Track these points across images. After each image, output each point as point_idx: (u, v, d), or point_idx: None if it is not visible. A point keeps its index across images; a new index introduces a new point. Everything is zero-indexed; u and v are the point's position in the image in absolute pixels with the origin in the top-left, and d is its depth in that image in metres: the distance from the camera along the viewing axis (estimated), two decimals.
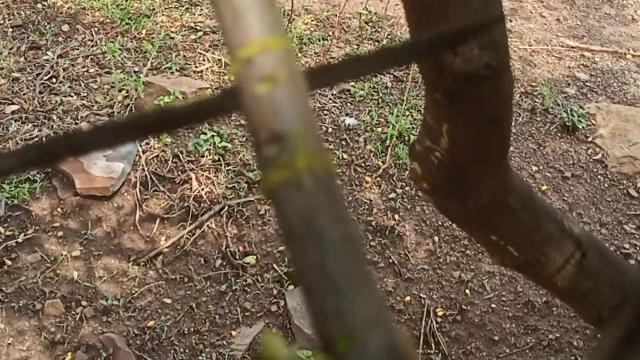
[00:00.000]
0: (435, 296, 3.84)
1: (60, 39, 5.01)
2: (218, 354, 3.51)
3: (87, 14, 5.27)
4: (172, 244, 3.84)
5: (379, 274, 3.86)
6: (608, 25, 6.11)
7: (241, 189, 4.08)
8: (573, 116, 4.86)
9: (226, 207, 4.00)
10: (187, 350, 3.51)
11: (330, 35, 5.36)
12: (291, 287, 3.73)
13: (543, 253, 1.81)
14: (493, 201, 1.75)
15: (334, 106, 4.71)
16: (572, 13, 6.21)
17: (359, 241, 0.43)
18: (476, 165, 1.68)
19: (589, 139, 4.82)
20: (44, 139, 4.14)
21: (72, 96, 4.50)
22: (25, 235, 3.75)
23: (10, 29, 5.05)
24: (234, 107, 0.52)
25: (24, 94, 4.47)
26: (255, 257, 3.84)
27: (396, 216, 4.12)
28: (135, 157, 4.11)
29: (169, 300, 3.66)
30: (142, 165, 4.08)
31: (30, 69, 4.69)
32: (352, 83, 4.92)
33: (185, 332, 3.56)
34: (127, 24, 5.18)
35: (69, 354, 3.39)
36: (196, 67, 4.86)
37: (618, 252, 4.02)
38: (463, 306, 3.81)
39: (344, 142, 4.47)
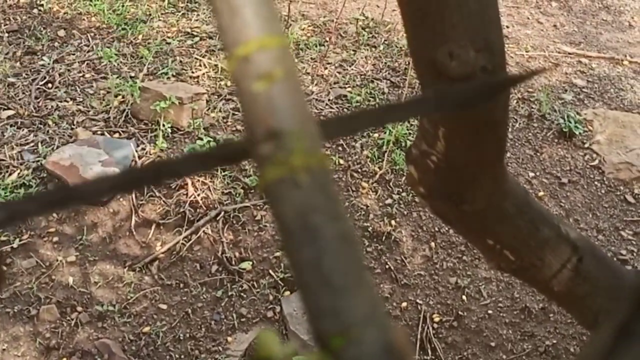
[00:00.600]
0: (431, 302, 3.84)
1: (56, 44, 5.01)
2: (214, 359, 3.50)
3: (83, 19, 5.27)
4: (168, 249, 3.84)
5: (375, 279, 3.85)
6: (605, 31, 6.12)
7: (237, 195, 4.08)
8: (570, 122, 4.86)
9: (222, 213, 3.99)
10: (182, 356, 3.50)
11: (327, 41, 5.37)
12: (287, 293, 3.72)
13: (539, 257, 1.81)
14: (489, 205, 1.75)
15: (331, 112, 4.71)
16: (569, 19, 6.22)
17: (355, 239, 0.43)
18: (472, 169, 1.68)
19: (586, 145, 4.82)
20: (39, 144, 4.14)
21: (68, 101, 4.50)
22: (20, 240, 3.74)
23: (6, 34, 5.05)
24: (237, 158, 0.52)
25: (19, 99, 4.47)
26: (251, 262, 3.84)
27: (393, 222, 4.11)
28: (131, 163, 4.10)
29: (164, 306, 3.65)
30: None
31: (26, 74, 4.69)
32: (349, 88, 4.92)
33: (181, 337, 3.55)
34: (123, 29, 5.19)
35: (64, 359, 3.38)
36: (192, 72, 4.86)
37: (615, 258, 4.02)
38: (459, 312, 3.81)
39: (340, 148, 4.47)
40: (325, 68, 5.13)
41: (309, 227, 0.43)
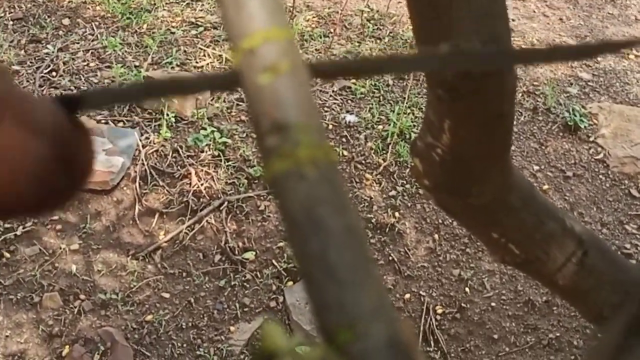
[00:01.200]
0: (434, 294, 3.84)
1: (60, 32, 5.01)
2: (216, 349, 3.51)
3: (88, 8, 5.27)
4: (171, 238, 3.84)
5: (378, 271, 3.85)
6: (611, 25, 6.11)
7: (241, 185, 4.08)
8: (575, 116, 4.85)
9: (226, 203, 3.99)
10: (185, 345, 3.51)
11: (331, 32, 5.36)
12: (290, 283, 3.73)
13: (544, 251, 1.80)
14: (494, 198, 1.75)
15: (335, 103, 4.71)
16: (575, 13, 6.20)
17: (362, 231, 0.43)
18: (478, 162, 1.67)
19: (591, 139, 4.81)
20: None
21: (72, 90, 4.49)
22: (24, 228, 3.75)
23: (11, 22, 5.05)
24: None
25: (23, 87, 4.46)
26: (254, 252, 3.84)
27: (396, 214, 4.11)
28: (135, 152, 4.10)
29: (167, 295, 3.65)
30: (142, 159, 4.08)
31: (31, 62, 4.69)
32: (353, 80, 4.92)
33: (184, 326, 3.56)
34: (128, 18, 5.18)
35: (67, 347, 3.39)
36: (197, 62, 4.86)
37: (619, 252, 4.01)
38: (463, 304, 3.81)
39: (344, 140, 4.46)
40: (330, 59, 5.12)
41: (314, 219, 0.43)
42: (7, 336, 3.40)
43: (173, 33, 5.13)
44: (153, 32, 5.09)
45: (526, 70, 5.31)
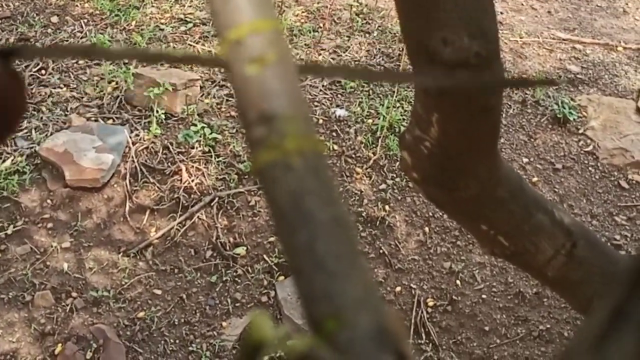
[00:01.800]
0: (425, 287, 3.85)
1: (49, 30, 5.00)
2: (208, 344, 3.51)
3: (77, 6, 5.25)
4: (162, 235, 3.84)
5: (369, 264, 3.86)
6: (599, 17, 6.12)
7: (231, 181, 4.08)
8: (564, 108, 4.86)
9: (216, 199, 3.99)
10: (177, 341, 3.51)
11: (320, 27, 5.36)
12: (281, 277, 3.73)
13: (533, 243, 1.81)
14: (483, 191, 1.75)
15: (325, 97, 4.71)
16: (563, 5, 6.21)
17: (350, 223, 0.43)
18: (466, 154, 1.68)
19: (580, 131, 4.83)
20: (32, 130, 4.13)
21: (61, 88, 4.49)
22: (14, 227, 3.74)
23: None
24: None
25: None
26: (245, 248, 3.84)
27: (387, 207, 4.12)
28: (125, 149, 4.10)
29: (159, 292, 3.65)
30: (132, 156, 4.07)
31: (19, 61, 4.67)
32: None
33: (176, 323, 3.56)
34: (116, 15, 5.17)
35: (59, 345, 3.39)
36: None
37: (609, 244, 4.03)
38: (454, 297, 3.82)
39: (334, 134, 4.46)
40: (319, 54, 5.12)
41: (302, 210, 0.43)
42: None
43: (162, 30, 5.12)
44: (142, 29, 5.08)
45: (515, 63, 5.32)
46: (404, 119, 4.48)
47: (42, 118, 4.24)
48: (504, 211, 1.80)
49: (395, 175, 4.27)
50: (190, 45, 4.98)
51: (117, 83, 4.51)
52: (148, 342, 3.48)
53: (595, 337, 0.44)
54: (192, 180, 4.02)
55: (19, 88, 0.61)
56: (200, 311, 3.61)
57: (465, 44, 1.40)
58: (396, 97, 4.65)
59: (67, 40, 4.90)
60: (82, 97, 4.44)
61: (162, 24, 5.19)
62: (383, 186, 4.22)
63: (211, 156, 4.16)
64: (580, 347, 0.47)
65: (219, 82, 4.68)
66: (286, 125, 0.44)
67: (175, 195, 3.97)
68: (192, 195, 3.99)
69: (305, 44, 5.17)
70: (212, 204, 3.98)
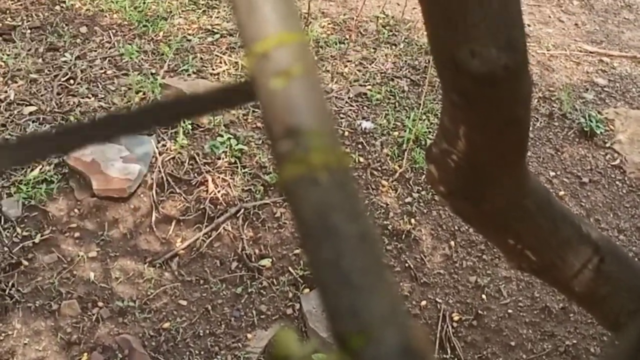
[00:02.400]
0: (451, 301, 3.83)
1: (78, 40, 5.03)
2: (233, 356, 3.51)
3: (105, 16, 5.29)
4: (188, 245, 3.84)
5: (395, 278, 3.85)
6: (627, 30, 6.08)
7: (257, 192, 4.08)
8: (591, 121, 4.83)
9: (242, 210, 4.00)
10: (202, 352, 3.51)
11: (347, 39, 5.36)
12: (306, 290, 3.72)
13: (560, 257, 1.79)
14: (510, 204, 1.74)
15: (351, 109, 4.71)
16: (590, 18, 6.18)
17: (375, 237, 0.42)
18: (493, 167, 1.67)
19: (607, 145, 4.79)
20: (53, 130, 4.15)
21: (89, 97, 4.51)
22: (42, 235, 3.76)
23: (29, 31, 5.07)
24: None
25: (41, 95, 4.48)
26: (270, 259, 3.84)
27: (412, 220, 4.10)
28: (151, 159, 4.11)
29: (184, 302, 3.66)
30: (159, 167, 4.08)
31: (48, 70, 4.71)
32: (369, 86, 4.91)
33: (201, 334, 3.56)
34: (144, 26, 5.20)
35: (85, 354, 3.40)
36: (213, 69, 4.87)
37: (636, 259, 3.99)
38: (479, 311, 3.80)
39: (360, 146, 4.46)
40: (345, 66, 5.13)
41: (328, 225, 0.43)
42: (25, 344, 3.41)
43: (189, 40, 5.14)
44: (169, 40, 5.10)
45: (542, 75, 5.30)
46: (430, 132, 4.47)
47: None
48: (531, 225, 1.79)
49: (421, 189, 4.26)
50: (217, 55, 5.00)
51: (144, 93, 4.53)
52: (173, 353, 3.49)
53: (628, 357, 0.43)
54: (218, 191, 4.03)
55: None
56: (226, 323, 3.61)
57: (493, 55, 1.38)
58: (422, 109, 4.64)
59: (95, 51, 4.93)
60: (110, 107, 4.46)
61: (189, 34, 5.22)
62: (409, 199, 4.21)
63: (237, 167, 4.16)
64: None
65: None
66: (312, 140, 0.44)
67: (201, 206, 3.98)
68: (218, 206, 3.99)
69: (331, 56, 5.17)
70: (237, 215, 3.98)
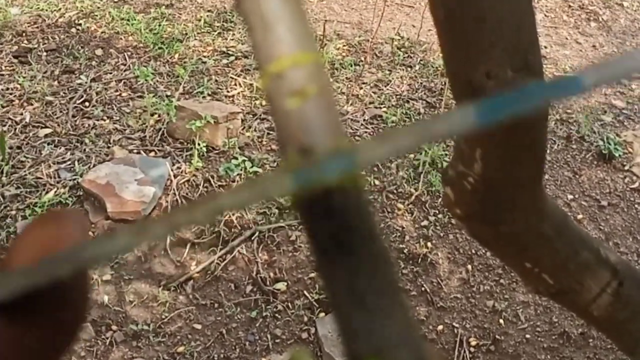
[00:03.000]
0: (468, 325, 3.80)
1: (93, 63, 5.06)
2: None
3: (121, 39, 5.32)
4: (203, 269, 3.83)
5: (411, 302, 3.82)
6: None
7: (272, 215, 4.07)
8: (609, 144, 4.81)
9: (257, 233, 3.99)
10: None
11: (362, 61, 5.37)
12: (322, 314, 3.70)
13: (578, 281, 1.78)
14: (527, 228, 1.72)
15: (366, 132, 4.71)
16: (608, 40, 6.17)
17: (390, 260, 0.41)
18: (510, 190, 1.65)
19: (626, 168, 4.77)
20: (75, 162, 4.16)
21: (104, 120, 4.53)
22: None
23: (45, 53, 5.10)
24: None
25: (57, 118, 4.50)
26: (286, 283, 3.82)
27: (429, 244, 4.08)
28: (166, 182, 4.11)
29: (199, 326, 3.64)
30: (174, 189, 4.09)
31: (64, 93, 4.73)
32: (385, 109, 4.91)
33: (215, 358, 3.54)
34: (159, 48, 5.22)
35: None
36: (228, 91, 4.88)
37: None
38: (497, 336, 3.76)
39: (375, 169, 4.45)
40: (361, 88, 5.13)
41: (343, 247, 0.42)
42: None
43: (204, 62, 5.16)
44: (184, 62, 5.12)
45: None
46: (446, 155, 4.46)
47: (85, 150, 4.28)
48: (548, 248, 1.77)
49: (437, 212, 4.24)
50: (232, 77, 5.01)
51: (159, 115, 4.54)
52: None
53: None
54: (233, 214, 4.02)
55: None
56: (240, 347, 3.59)
57: (509, 77, 1.38)
58: None
59: (110, 73, 4.95)
60: (125, 130, 4.48)
61: (204, 56, 5.24)
62: (425, 222, 4.19)
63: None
64: None
65: (260, 115, 4.70)
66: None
67: (216, 229, 3.97)
68: (233, 229, 3.98)
69: (346, 78, 5.18)
70: (252, 238, 3.97)
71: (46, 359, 0.40)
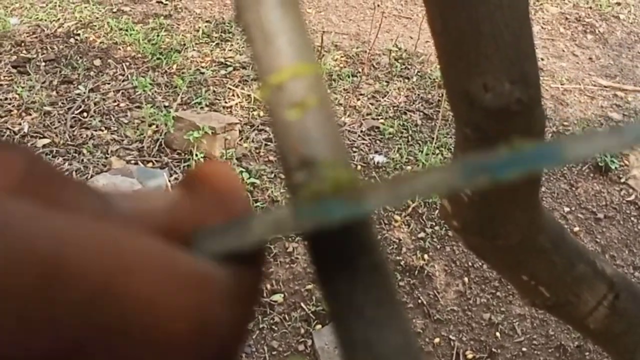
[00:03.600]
0: (464, 338, 3.79)
1: (92, 73, 5.06)
2: None
3: (119, 49, 5.32)
4: None
5: (408, 314, 3.82)
6: None
7: None
8: (606, 157, 4.82)
9: None
10: None
11: (359, 72, 5.38)
12: (319, 326, 3.70)
13: (575, 294, 1.78)
14: (523, 240, 1.73)
15: (363, 143, 4.71)
16: (604, 52, 6.19)
17: (388, 271, 0.42)
18: (507, 203, 1.66)
19: (622, 180, 4.77)
20: (73, 173, 4.16)
21: (102, 130, 4.53)
22: None
23: (43, 63, 5.11)
24: None
25: (55, 128, 4.50)
26: (282, 295, 3.82)
27: (425, 256, 4.08)
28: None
29: None
30: None
31: (62, 103, 4.74)
32: (382, 120, 4.92)
33: None
34: (158, 58, 5.23)
35: None
36: (226, 102, 4.89)
37: None
38: (493, 349, 3.76)
39: (373, 180, 4.45)
40: (358, 99, 5.14)
41: (342, 258, 0.42)
42: None
43: (202, 73, 5.17)
44: (183, 73, 5.13)
45: (556, 110, 5.29)
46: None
47: (82, 160, 4.28)
48: (545, 261, 1.77)
49: (434, 224, 4.24)
50: (230, 88, 5.02)
51: (157, 126, 4.54)
52: None
53: None
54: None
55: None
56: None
57: (506, 89, 1.38)
58: (435, 143, 4.64)
59: (109, 83, 4.96)
60: (123, 140, 4.48)
61: (202, 67, 5.24)
62: (422, 235, 4.19)
63: (249, 201, 4.16)
64: None
65: (258, 127, 4.70)
66: (326, 171, 0.44)
67: None
68: None
69: (344, 89, 5.19)
70: None
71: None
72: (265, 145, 4.54)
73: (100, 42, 5.39)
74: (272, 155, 4.47)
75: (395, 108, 5.09)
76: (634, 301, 1.83)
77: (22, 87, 4.81)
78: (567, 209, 4.52)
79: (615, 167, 4.80)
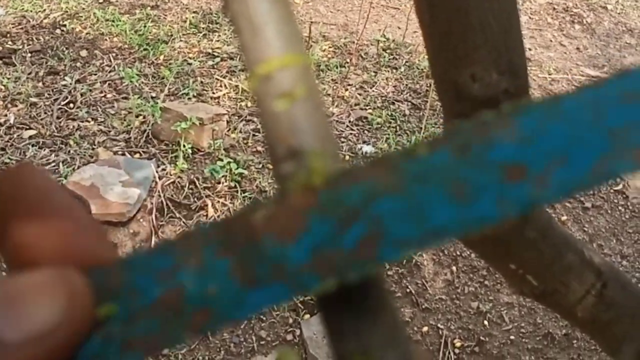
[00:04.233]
0: (453, 327, 3.81)
1: (78, 64, 5.04)
2: None
3: (106, 40, 5.30)
4: None
5: (396, 303, 3.83)
6: (629, 54, 6.10)
7: None
8: None
9: None
10: None
11: (347, 62, 5.37)
12: (307, 316, 3.70)
13: (563, 283, 1.78)
14: (511, 229, 1.73)
15: (351, 133, 4.71)
16: (592, 42, 6.20)
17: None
18: None
19: None
20: (60, 164, 4.15)
21: (89, 121, 4.52)
22: None
23: (29, 54, 5.08)
24: None
25: (41, 119, 4.49)
26: None
27: None
28: (151, 183, 4.11)
29: None
30: (159, 191, 4.08)
31: (48, 94, 4.72)
32: (370, 110, 4.92)
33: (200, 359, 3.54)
34: (145, 49, 5.21)
35: None
36: (213, 93, 4.88)
37: (639, 285, 3.98)
38: (481, 337, 3.78)
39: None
40: (346, 89, 5.14)
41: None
42: None
43: (190, 64, 5.15)
44: (170, 63, 5.12)
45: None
46: None
47: (69, 152, 4.27)
48: (533, 250, 1.78)
49: None
50: (218, 79, 5.01)
51: (144, 117, 4.53)
52: None
53: None
54: (218, 216, 4.02)
55: None
56: (225, 349, 3.59)
57: (494, 80, 1.38)
58: (423, 133, 4.65)
59: (95, 74, 4.94)
60: (110, 131, 4.47)
61: (190, 58, 5.23)
62: None
63: (237, 191, 4.16)
64: None
65: (246, 117, 4.69)
66: (314, 161, 0.43)
67: None
68: None
69: (332, 79, 5.18)
70: None
71: None
72: (253, 135, 4.53)
73: (87, 33, 5.37)
74: (260, 145, 4.47)
75: (383, 98, 5.09)
76: (622, 290, 1.83)
77: (8, 79, 4.79)
78: None
79: None
